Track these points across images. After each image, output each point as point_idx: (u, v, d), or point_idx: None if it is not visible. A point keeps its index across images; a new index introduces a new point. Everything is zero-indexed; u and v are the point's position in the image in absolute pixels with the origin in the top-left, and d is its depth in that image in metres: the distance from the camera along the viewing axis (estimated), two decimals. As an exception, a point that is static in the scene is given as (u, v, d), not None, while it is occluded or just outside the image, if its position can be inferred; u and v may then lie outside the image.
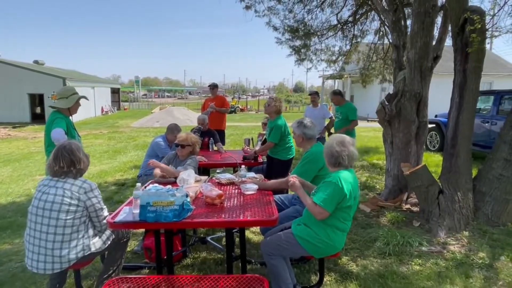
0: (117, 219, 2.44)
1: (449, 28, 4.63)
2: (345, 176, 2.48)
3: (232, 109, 28.55)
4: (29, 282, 3.06)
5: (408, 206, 4.71)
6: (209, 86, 7.27)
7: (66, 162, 2.43)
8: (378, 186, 5.89)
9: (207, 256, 3.53)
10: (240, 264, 2.84)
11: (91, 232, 2.53)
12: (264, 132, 5.39)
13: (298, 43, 8.84)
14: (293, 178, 2.72)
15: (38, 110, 23.31)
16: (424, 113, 4.77)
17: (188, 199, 2.51)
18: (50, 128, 3.60)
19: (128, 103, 40.04)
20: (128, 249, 3.00)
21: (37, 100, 23.18)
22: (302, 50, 8.96)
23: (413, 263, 3.31)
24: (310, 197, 2.54)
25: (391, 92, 4.90)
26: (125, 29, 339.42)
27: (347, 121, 6.13)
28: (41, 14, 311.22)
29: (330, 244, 2.53)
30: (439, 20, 5.24)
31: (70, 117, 3.81)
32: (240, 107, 33.11)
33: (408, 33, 4.96)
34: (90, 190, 2.47)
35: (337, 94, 6.34)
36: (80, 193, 2.42)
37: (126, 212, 2.53)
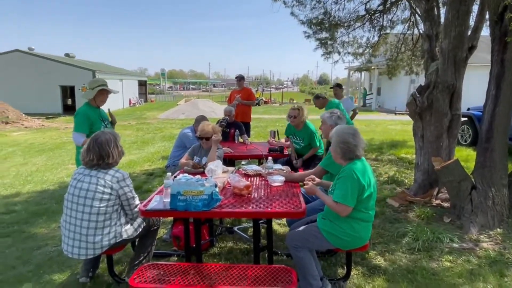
0: (149, 207, 2.51)
1: (487, 16, 4.42)
2: (359, 167, 2.46)
3: (256, 102, 28.50)
4: (65, 265, 3.20)
5: (438, 201, 4.58)
6: (236, 77, 7.30)
7: (96, 155, 2.50)
8: (406, 181, 5.75)
9: (234, 246, 3.57)
10: (266, 255, 2.86)
11: (123, 219, 2.61)
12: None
13: (324, 35, 8.69)
14: (307, 181, 2.74)
15: (69, 101, 24.18)
16: (457, 105, 4.59)
17: (217, 189, 2.54)
18: None
19: (155, 95, 40.74)
20: (157, 237, 3.08)
21: (68, 92, 24.01)
22: (328, 43, 8.81)
23: (444, 260, 3.23)
24: (329, 195, 2.53)
25: (421, 84, 4.75)
26: (151, 22, 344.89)
27: None
28: (71, 10, 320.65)
29: (356, 236, 2.51)
30: (474, 8, 5.00)
31: (100, 108, 3.85)
32: (264, 99, 33.00)
33: (442, 23, 4.77)
34: (123, 179, 2.55)
35: (318, 98, 6.27)
36: (113, 182, 2.50)
37: (157, 201, 2.59)
